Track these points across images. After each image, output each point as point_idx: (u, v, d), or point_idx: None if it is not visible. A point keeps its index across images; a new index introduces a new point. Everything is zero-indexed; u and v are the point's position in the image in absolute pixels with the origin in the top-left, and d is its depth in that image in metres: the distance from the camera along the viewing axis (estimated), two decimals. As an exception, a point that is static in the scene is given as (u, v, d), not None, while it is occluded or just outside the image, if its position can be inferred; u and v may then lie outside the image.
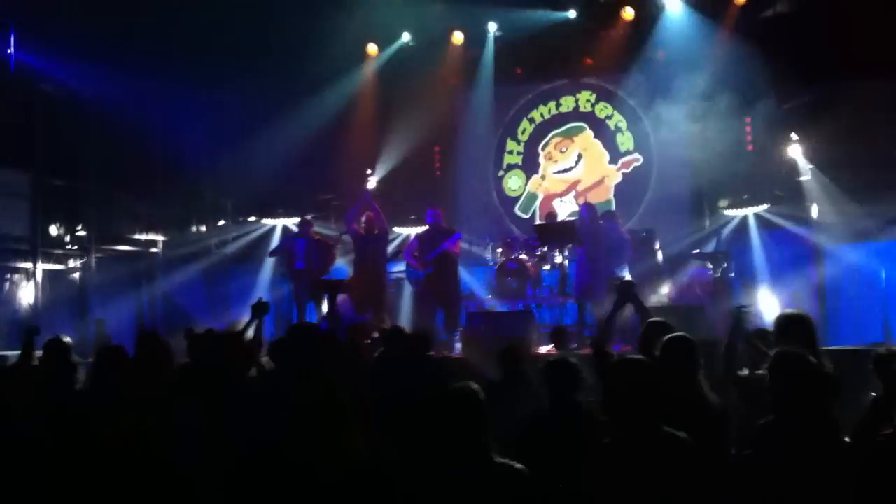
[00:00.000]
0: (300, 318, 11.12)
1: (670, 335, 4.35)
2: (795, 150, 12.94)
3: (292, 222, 13.99)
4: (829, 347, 7.87)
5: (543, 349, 9.42)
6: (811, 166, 12.64)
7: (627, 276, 9.75)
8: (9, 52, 11.92)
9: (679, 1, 13.69)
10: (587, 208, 10.94)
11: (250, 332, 6.22)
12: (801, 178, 12.80)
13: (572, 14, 14.24)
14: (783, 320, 4.73)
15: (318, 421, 3.40)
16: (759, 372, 4.26)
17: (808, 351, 4.11)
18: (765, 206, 12.93)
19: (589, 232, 10.52)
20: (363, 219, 11.30)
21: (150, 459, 3.34)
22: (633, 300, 5.24)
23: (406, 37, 15.02)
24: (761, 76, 12.71)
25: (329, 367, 4.91)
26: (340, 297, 12.10)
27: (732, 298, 10.92)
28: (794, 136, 12.98)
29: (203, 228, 16.14)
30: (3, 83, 12.08)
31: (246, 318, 6.41)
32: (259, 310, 6.35)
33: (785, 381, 3.75)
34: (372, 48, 15.12)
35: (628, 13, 13.97)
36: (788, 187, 12.96)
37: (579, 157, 14.95)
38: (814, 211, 12.35)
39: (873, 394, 4.18)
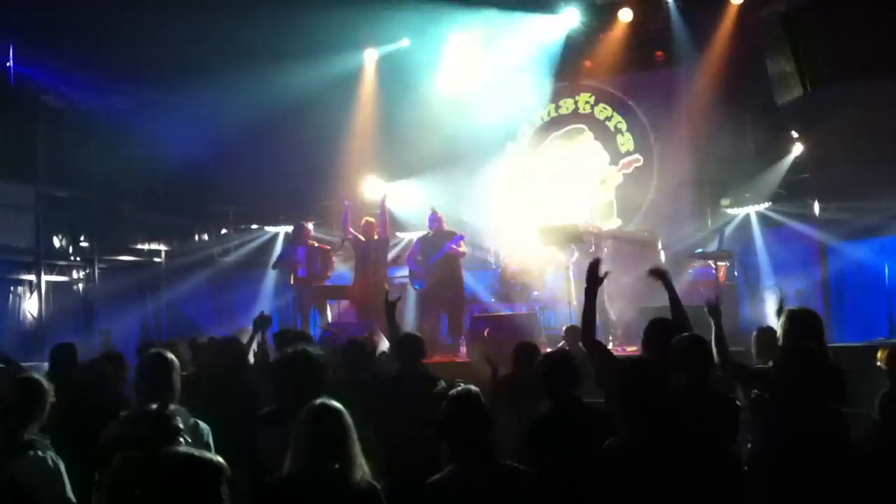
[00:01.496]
0: (304, 326, 11.12)
1: (682, 335, 4.33)
2: (797, 148, 12.95)
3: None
4: (836, 344, 7.87)
5: (549, 351, 9.41)
6: (813, 163, 12.63)
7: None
8: (8, 65, 11.93)
9: (677, 1, 13.68)
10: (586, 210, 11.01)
11: (254, 347, 6.22)
12: (803, 175, 12.80)
13: (567, 20, 14.22)
14: (790, 317, 4.72)
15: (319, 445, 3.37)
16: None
17: (815, 347, 4.12)
18: (767, 204, 12.92)
19: (589, 234, 10.57)
20: (361, 224, 11.29)
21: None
22: (668, 288, 5.14)
23: (405, 42, 15.05)
24: (761, 73, 12.72)
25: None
26: (343, 304, 12.16)
27: (737, 297, 10.93)
28: (794, 133, 12.98)
29: (206, 237, 16.16)
30: (4, 96, 12.09)
31: (251, 327, 6.41)
32: (261, 324, 6.34)
33: (796, 376, 3.76)
34: (371, 53, 15.14)
35: (626, 14, 13.96)
36: (790, 185, 12.96)
37: (579, 159, 14.93)
38: (816, 208, 12.34)
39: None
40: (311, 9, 12.30)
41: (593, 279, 4.77)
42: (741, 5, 13.19)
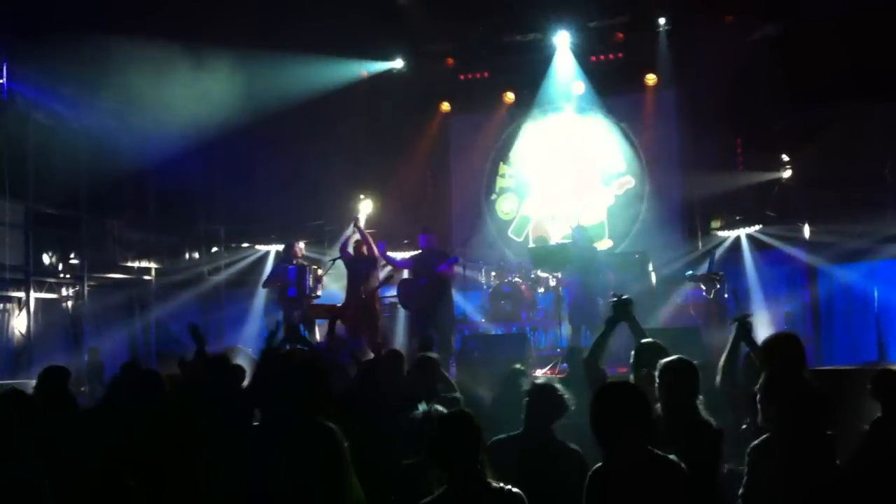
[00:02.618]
0: (293, 345, 11.07)
1: (668, 359, 4.30)
2: (786, 171, 13.02)
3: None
4: (824, 367, 7.87)
5: (539, 372, 9.40)
6: (802, 186, 12.70)
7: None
8: (1, 81, 11.92)
9: (668, 24, 13.77)
10: (578, 231, 10.98)
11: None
12: (793, 198, 12.86)
13: (563, 39, 14.32)
14: (772, 342, 4.73)
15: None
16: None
17: (798, 372, 4.13)
18: (757, 227, 12.97)
19: (581, 254, 10.55)
20: (355, 244, 11.31)
21: None
22: (630, 319, 5.20)
23: (398, 62, 15.11)
24: (752, 97, 12.80)
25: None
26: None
27: (726, 320, 10.93)
28: (784, 156, 13.05)
29: (196, 255, 16.11)
30: (-4, 112, 12.07)
31: (241, 345, 6.38)
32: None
33: (778, 401, 3.76)
34: (364, 73, 15.17)
35: (618, 37, 14.05)
36: (780, 208, 13.01)
37: (572, 179, 14.95)
38: (806, 231, 12.39)
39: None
40: (303, 19, 12.37)
41: (619, 316, 4.86)
42: (732, 28, 13.28)
